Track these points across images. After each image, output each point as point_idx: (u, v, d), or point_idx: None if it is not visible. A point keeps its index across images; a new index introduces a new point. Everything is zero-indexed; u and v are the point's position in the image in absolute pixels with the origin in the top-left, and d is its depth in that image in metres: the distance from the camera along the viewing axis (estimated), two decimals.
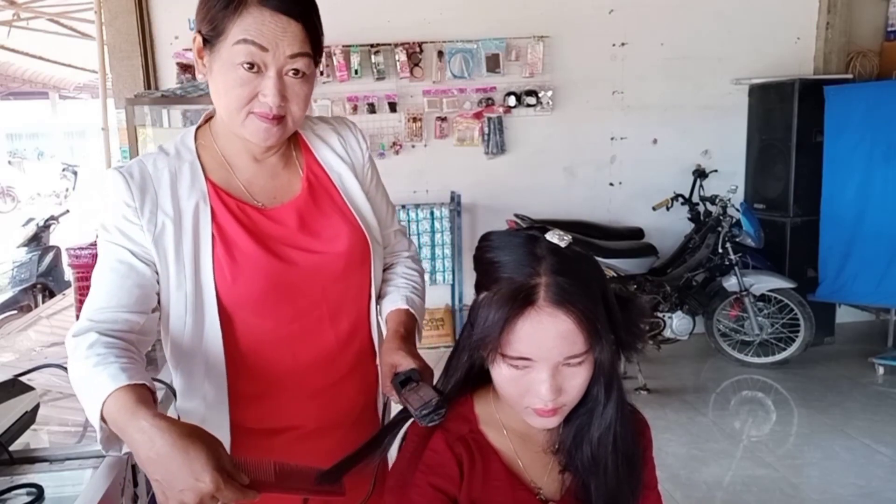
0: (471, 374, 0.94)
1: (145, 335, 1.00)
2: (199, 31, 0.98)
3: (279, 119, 0.99)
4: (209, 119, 1.11)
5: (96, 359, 0.86)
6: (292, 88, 0.98)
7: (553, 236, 0.86)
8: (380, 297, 1.18)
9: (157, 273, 1.00)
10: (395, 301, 1.14)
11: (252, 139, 1.01)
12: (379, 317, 1.18)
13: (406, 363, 1.00)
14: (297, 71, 0.97)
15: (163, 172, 1.02)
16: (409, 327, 1.10)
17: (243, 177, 1.07)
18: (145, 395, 0.83)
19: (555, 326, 0.81)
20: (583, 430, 0.89)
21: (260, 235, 1.03)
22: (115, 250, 0.99)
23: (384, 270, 1.22)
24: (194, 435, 0.77)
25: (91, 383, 0.85)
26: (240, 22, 0.94)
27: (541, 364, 0.83)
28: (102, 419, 0.83)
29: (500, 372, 0.86)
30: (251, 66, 0.95)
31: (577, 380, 0.84)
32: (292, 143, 1.13)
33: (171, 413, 1.05)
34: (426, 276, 1.32)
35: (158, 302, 1.03)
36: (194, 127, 1.11)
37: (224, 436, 1.04)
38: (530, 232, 0.88)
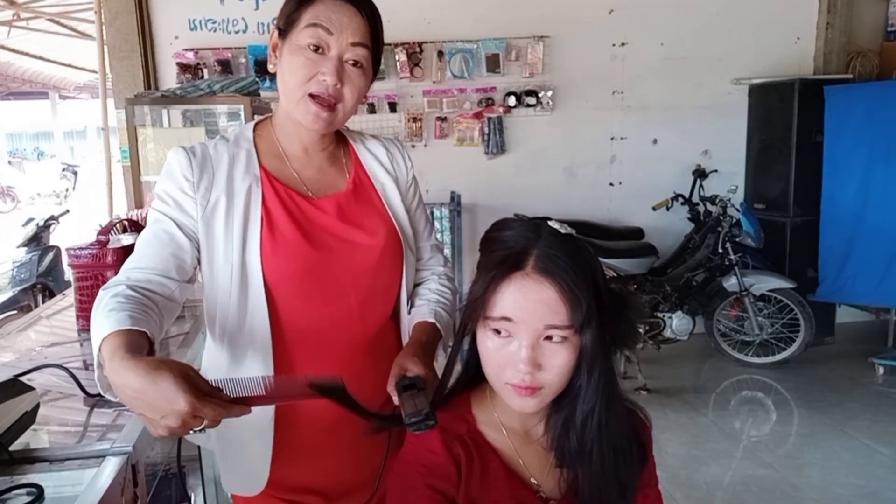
0: (468, 373, 0.94)
1: (173, 301, 1.05)
2: (277, 26, 1.10)
3: (331, 106, 1.07)
4: (269, 117, 1.21)
5: (113, 305, 0.90)
6: (349, 75, 1.07)
7: (554, 223, 0.89)
8: (411, 308, 1.23)
9: (197, 248, 1.08)
10: (423, 314, 1.19)
11: (302, 121, 1.09)
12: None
13: (415, 369, 1.02)
14: (355, 61, 1.07)
15: (222, 155, 1.12)
16: (431, 338, 1.13)
17: (295, 167, 1.16)
18: (135, 340, 0.84)
19: (538, 292, 0.83)
20: (569, 418, 0.90)
21: (302, 221, 1.11)
22: (162, 220, 1.07)
23: (418, 285, 1.28)
24: (162, 365, 0.78)
25: (98, 328, 0.87)
26: (311, 9, 1.05)
27: (521, 329, 0.84)
28: (101, 364, 0.84)
29: (484, 342, 0.88)
30: (317, 47, 1.05)
31: (557, 359, 0.85)
32: (342, 149, 1.22)
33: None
34: None
35: (194, 275, 1.11)
36: (254, 121, 1.21)
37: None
38: (536, 219, 0.92)
